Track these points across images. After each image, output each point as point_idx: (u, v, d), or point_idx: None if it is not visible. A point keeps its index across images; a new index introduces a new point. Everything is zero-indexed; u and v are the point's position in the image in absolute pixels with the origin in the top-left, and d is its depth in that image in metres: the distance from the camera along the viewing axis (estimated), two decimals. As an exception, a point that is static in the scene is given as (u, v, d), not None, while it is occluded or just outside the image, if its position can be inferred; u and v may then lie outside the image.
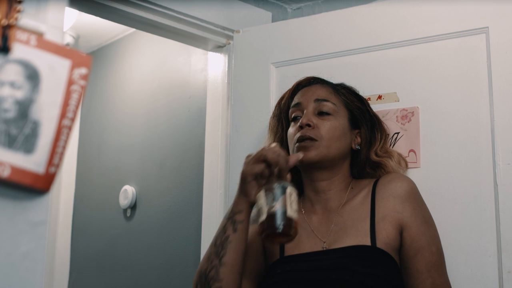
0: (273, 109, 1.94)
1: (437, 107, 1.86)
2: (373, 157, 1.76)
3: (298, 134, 1.71)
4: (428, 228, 1.64)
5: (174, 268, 2.70)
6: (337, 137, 1.72)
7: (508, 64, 1.76)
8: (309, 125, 1.70)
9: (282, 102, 1.88)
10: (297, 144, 1.71)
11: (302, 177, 1.81)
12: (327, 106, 1.74)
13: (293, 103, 1.81)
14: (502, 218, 1.70)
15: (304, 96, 1.79)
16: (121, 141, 3.22)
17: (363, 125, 1.79)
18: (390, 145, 1.89)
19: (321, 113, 1.74)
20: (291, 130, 1.77)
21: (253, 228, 1.77)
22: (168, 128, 2.89)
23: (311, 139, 1.69)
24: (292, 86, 1.87)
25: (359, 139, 1.79)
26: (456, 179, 1.80)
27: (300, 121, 1.73)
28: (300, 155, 1.65)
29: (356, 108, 1.79)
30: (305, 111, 1.75)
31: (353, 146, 1.78)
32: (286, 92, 1.89)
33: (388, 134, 1.85)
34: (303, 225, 1.73)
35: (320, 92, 1.78)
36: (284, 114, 1.87)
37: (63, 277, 3.49)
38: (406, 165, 1.83)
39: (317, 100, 1.75)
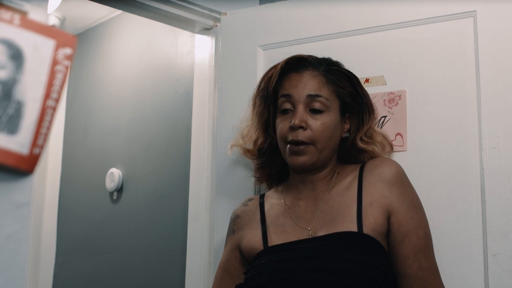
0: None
1: (424, 91, 1.86)
2: (359, 143, 1.74)
3: (289, 136, 1.67)
4: (416, 212, 1.63)
5: (160, 251, 2.70)
6: (329, 136, 1.68)
7: (495, 48, 1.76)
8: (301, 127, 1.66)
9: (270, 84, 1.75)
10: (289, 146, 1.67)
11: (289, 166, 1.79)
12: (320, 103, 1.68)
13: (283, 91, 1.72)
14: (487, 201, 1.70)
15: (295, 88, 1.70)
16: (107, 124, 3.21)
17: (353, 110, 1.75)
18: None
19: (313, 110, 1.68)
20: (281, 125, 1.71)
21: (229, 244, 1.80)
22: (155, 111, 2.88)
23: (305, 143, 1.66)
24: (280, 64, 1.75)
25: (347, 125, 1.76)
26: (442, 162, 1.80)
27: (292, 120, 1.67)
28: None
29: (348, 94, 1.73)
30: (296, 108, 1.68)
31: (342, 135, 1.75)
32: (274, 72, 1.76)
33: (375, 118, 1.81)
34: (286, 215, 1.72)
35: (311, 84, 1.70)
36: (271, 97, 1.77)
37: (50, 259, 3.49)
38: (391, 148, 1.82)
39: (309, 95, 1.68)
